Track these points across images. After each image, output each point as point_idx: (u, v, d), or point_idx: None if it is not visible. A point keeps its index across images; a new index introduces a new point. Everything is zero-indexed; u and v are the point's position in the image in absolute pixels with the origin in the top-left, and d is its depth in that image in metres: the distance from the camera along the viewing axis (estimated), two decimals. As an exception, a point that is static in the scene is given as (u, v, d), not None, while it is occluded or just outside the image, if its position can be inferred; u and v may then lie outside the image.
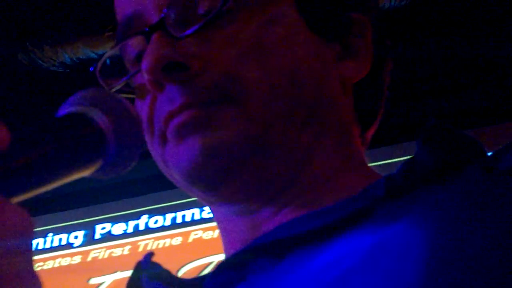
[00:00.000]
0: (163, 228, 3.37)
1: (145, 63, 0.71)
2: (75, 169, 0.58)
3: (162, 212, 3.42)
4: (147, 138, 0.78)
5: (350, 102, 0.81)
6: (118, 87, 0.79)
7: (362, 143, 0.84)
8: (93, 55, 2.78)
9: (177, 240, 3.28)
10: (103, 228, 3.48)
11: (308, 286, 0.60)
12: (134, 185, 3.42)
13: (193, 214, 3.36)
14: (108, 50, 0.82)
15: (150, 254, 0.83)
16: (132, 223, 3.45)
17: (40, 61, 2.90)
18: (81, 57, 2.82)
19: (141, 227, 3.42)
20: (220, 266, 0.69)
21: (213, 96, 0.72)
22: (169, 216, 3.40)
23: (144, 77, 0.73)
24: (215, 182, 0.73)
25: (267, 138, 0.72)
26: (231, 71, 0.72)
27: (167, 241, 3.30)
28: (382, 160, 2.86)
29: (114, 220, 3.49)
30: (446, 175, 0.66)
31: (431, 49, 2.95)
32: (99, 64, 0.80)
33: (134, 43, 0.78)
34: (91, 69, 0.79)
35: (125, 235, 3.42)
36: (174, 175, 0.76)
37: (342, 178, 0.76)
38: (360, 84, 0.81)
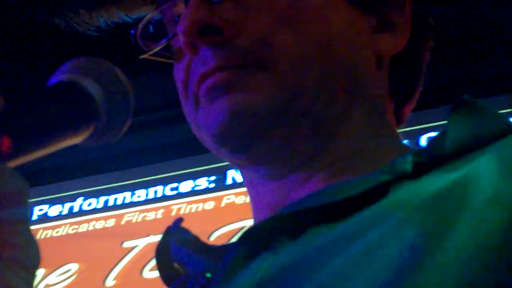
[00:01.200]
0: (195, 193, 3.39)
1: (181, 25, 0.73)
2: (66, 136, 0.59)
3: (194, 176, 3.45)
4: (182, 102, 0.80)
5: (385, 76, 0.81)
6: (156, 49, 0.80)
7: (397, 119, 0.84)
8: (128, 19, 2.79)
9: (210, 205, 3.31)
10: (134, 194, 3.52)
11: (329, 258, 0.60)
12: (164, 150, 3.45)
13: (225, 179, 3.38)
14: (148, 13, 0.83)
15: (180, 220, 0.85)
16: (165, 188, 3.48)
17: (76, 25, 2.92)
18: (116, 21, 2.83)
19: (174, 191, 3.45)
20: (246, 234, 0.69)
21: (245, 60, 0.73)
22: (201, 180, 3.43)
23: (180, 39, 0.75)
24: (243, 144, 0.74)
25: (297, 105, 0.73)
26: (264, 37, 0.73)
27: (200, 206, 3.33)
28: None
29: (148, 185, 3.52)
30: (473, 152, 0.65)
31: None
32: (140, 27, 0.81)
33: (175, 7, 0.80)
34: (132, 31, 0.80)
35: (158, 199, 3.45)
36: (204, 137, 0.77)
37: (372, 151, 0.76)
38: (396, 59, 0.81)
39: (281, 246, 0.66)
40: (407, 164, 0.66)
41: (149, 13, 0.83)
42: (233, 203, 3.28)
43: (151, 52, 0.80)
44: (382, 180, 0.66)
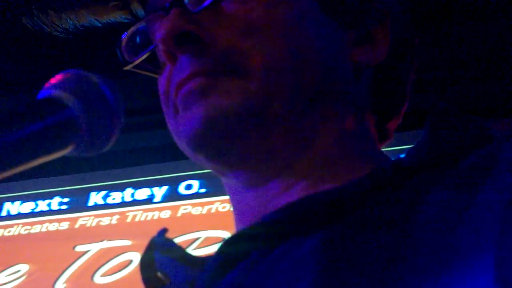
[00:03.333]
0: (151, 201, 3.38)
1: (159, 34, 0.75)
2: (47, 153, 0.60)
3: (152, 184, 3.44)
4: (164, 112, 0.82)
5: (365, 89, 0.82)
6: (138, 61, 0.82)
7: (382, 135, 0.85)
8: (97, 23, 2.78)
9: (166, 214, 3.30)
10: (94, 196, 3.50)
11: (304, 273, 0.62)
12: (123, 157, 3.43)
13: (176, 188, 3.38)
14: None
15: (164, 230, 0.85)
16: (121, 194, 3.46)
17: (44, 26, 2.90)
18: (84, 24, 2.82)
19: (128, 198, 3.43)
20: (226, 243, 0.72)
21: (220, 67, 0.75)
22: (158, 189, 3.42)
23: (159, 48, 0.77)
24: (217, 150, 0.76)
25: (270, 110, 0.75)
26: (238, 44, 0.75)
27: (156, 214, 3.32)
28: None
29: (104, 190, 3.50)
30: (450, 162, 0.67)
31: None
32: (124, 39, 0.83)
33: (158, 18, 0.81)
34: (117, 43, 0.83)
35: (114, 205, 3.43)
36: (183, 145, 0.78)
37: (351, 161, 0.77)
38: (378, 73, 0.83)
39: (260, 256, 0.68)
40: (387, 173, 0.68)
41: (134, 25, 0.85)
42: (189, 214, 3.28)
43: (133, 64, 0.82)
44: (359, 190, 0.68)
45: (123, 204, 3.43)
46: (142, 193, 3.42)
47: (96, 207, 3.45)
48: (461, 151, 0.68)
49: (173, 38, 0.75)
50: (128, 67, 0.82)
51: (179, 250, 0.83)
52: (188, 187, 3.37)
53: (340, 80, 0.79)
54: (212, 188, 3.30)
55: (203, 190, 3.33)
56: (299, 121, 0.76)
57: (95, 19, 2.76)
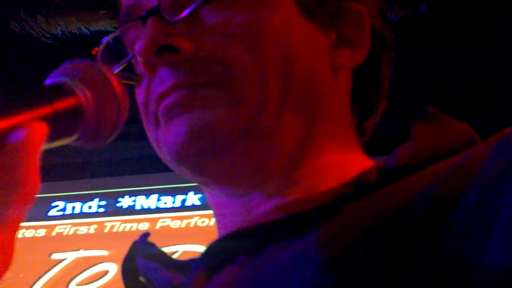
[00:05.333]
0: (131, 212, 3.37)
1: (138, 46, 0.73)
2: (52, 138, 0.59)
3: (132, 195, 3.42)
4: (144, 121, 0.80)
5: (345, 91, 0.82)
6: (116, 71, 0.80)
7: (360, 133, 0.85)
8: (86, 31, 2.77)
9: (144, 226, 3.29)
10: (68, 206, 3.48)
11: (289, 277, 0.62)
12: (106, 165, 3.42)
13: (156, 200, 3.37)
14: (107, 27, 0.84)
15: (147, 234, 0.85)
16: (99, 203, 3.44)
17: (32, 31, 2.89)
18: (73, 31, 2.81)
19: (111, 208, 3.41)
20: (210, 248, 0.71)
21: (202, 79, 0.74)
22: (139, 199, 3.40)
23: (138, 59, 0.75)
24: (201, 163, 0.75)
25: (260, 123, 0.74)
26: (220, 55, 0.74)
27: (134, 225, 3.30)
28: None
29: (83, 199, 3.48)
30: (433, 164, 0.67)
31: (423, 64, 2.97)
32: (101, 48, 0.82)
33: (133, 28, 0.80)
34: (92, 54, 0.81)
35: (92, 214, 3.41)
36: (165, 156, 0.77)
37: (337, 167, 0.77)
38: (357, 74, 0.83)
39: (245, 260, 0.68)
40: (371, 175, 0.68)
41: (110, 34, 0.83)
42: (167, 227, 3.27)
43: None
44: (343, 192, 0.67)
45: (101, 214, 3.40)
46: (121, 204, 3.41)
47: (74, 215, 3.42)
48: (443, 154, 0.68)
49: (153, 50, 0.73)
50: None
51: (162, 255, 0.82)
52: (170, 200, 3.35)
53: (322, 85, 0.79)
54: (192, 203, 3.28)
55: (181, 204, 3.32)
56: (285, 131, 0.75)
57: (84, 26, 2.76)
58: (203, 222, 3.22)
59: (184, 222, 3.27)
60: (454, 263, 0.56)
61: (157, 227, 3.29)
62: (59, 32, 2.87)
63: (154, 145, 0.80)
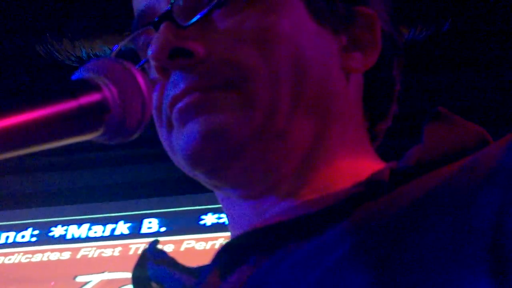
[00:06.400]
0: (155, 234, 3.36)
1: (151, 50, 0.74)
2: (77, 132, 0.59)
3: (156, 217, 3.42)
4: (157, 126, 0.81)
5: (358, 94, 0.83)
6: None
7: (372, 136, 0.86)
8: (110, 52, 2.78)
9: (169, 248, 3.28)
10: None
11: (303, 274, 0.63)
12: (128, 188, 3.43)
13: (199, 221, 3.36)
14: (121, 41, 0.84)
15: (156, 241, 0.85)
16: (128, 226, 3.44)
17: (57, 54, 2.92)
18: (98, 53, 2.83)
19: (136, 230, 3.41)
20: (223, 249, 0.71)
21: (215, 82, 0.74)
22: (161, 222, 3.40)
23: (151, 63, 0.76)
24: (215, 166, 0.75)
25: (272, 125, 0.74)
26: (233, 58, 0.74)
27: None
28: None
29: (108, 221, 3.48)
30: (445, 165, 0.67)
31: (446, 83, 2.96)
32: (113, 54, 0.83)
33: (146, 34, 0.81)
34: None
35: (116, 236, 3.41)
36: (179, 160, 0.78)
37: (349, 169, 0.77)
38: (368, 77, 0.83)
39: (258, 260, 0.68)
40: (383, 175, 0.69)
41: (122, 41, 0.84)
42: (192, 249, 3.26)
43: None
44: (355, 192, 0.68)
45: (126, 236, 3.40)
46: (146, 226, 3.40)
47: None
48: (455, 155, 0.68)
49: (166, 54, 0.74)
50: None
51: (173, 261, 0.82)
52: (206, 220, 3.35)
53: (334, 89, 0.79)
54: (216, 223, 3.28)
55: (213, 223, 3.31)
56: (300, 134, 0.76)
57: (109, 48, 2.78)
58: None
59: (209, 243, 3.26)
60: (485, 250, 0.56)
61: (182, 248, 3.28)
62: (84, 55, 2.89)
63: (168, 150, 0.80)
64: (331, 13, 0.80)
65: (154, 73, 0.78)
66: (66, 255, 3.36)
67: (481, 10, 2.73)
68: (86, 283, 3.23)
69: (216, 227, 3.28)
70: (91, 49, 2.85)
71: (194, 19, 0.75)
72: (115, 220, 3.44)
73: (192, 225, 3.32)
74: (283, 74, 0.75)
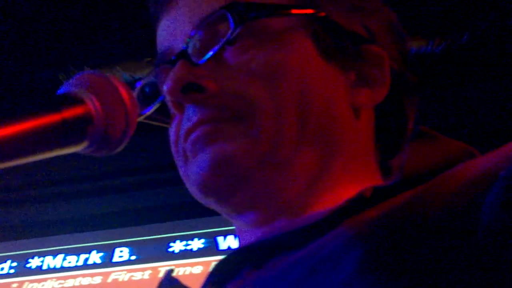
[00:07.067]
0: (185, 255, 3.37)
1: (166, 85, 0.79)
2: (62, 145, 0.61)
3: (185, 238, 3.43)
4: (175, 158, 0.85)
5: (366, 128, 0.85)
6: (149, 112, 0.86)
7: (386, 171, 0.88)
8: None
9: (198, 269, 3.28)
10: (121, 251, 3.51)
11: (286, 279, 0.67)
12: (153, 212, 3.44)
13: (216, 243, 3.36)
14: (144, 77, 0.88)
15: (171, 271, 0.90)
16: (155, 249, 3.46)
17: (79, 82, 2.94)
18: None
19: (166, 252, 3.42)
20: (217, 265, 0.76)
21: (224, 114, 0.79)
22: (193, 243, 3.41)
23: (167, 98, 0.82)
24: (224, 193, 0.80)
25: (276, 156, 0.78)
26: (242, 92, 0.79)
27: (187, 269, 3.30)
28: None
29: (136, 245, 3.50)
30: (424, 181, 0.69)
31: (466, 95, 2.94)
32: (137, 90, 0.87)
33: (166, 72, 0.85)
34: None
35: (144, 259, 3.43)
36: (193, 190, 0.82)
37: (346, 196, 0.78)
38: (379, 113, 0.86)
39: (248, 272, 0.72)
40: (365, 192, 0.71)
41: (144, 78, 0.89)
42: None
43: (144, 116, 0.86)
44: (337, 208, 0.71)
45: (155, 258, 3.42)
46: (175, 248, 3.41)
47: (127, 262, 3.44)
48: (440, 168, 0.70)
49: (180, 89, 0.79)
50: (140, 119, 0.85)
51: (183, 287, 0.86)
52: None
53: (340, 122, 0.82)
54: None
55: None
56: (302, 163, 0.79)
57: (129, 74, 2.81)
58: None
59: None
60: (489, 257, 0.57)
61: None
62: (106, 82, 2.91)
63: (184, 180, 0.84)
64: (339, 51, 0.84)
65: (171, 108, 0.83)
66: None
67: (499, 21, 2.71)
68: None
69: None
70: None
71: (207, 57, 0.80)
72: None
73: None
74: (288, 108, 0.79)
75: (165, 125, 0.86)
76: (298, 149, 0.79)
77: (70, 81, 0.66)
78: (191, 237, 3.42)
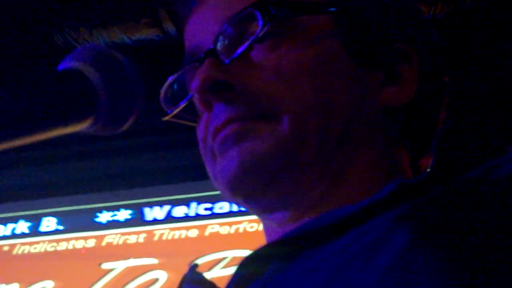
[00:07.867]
0: (179, 219, 3.37)
1: (194, 83, 0.80)
2: (65, 123, 0.58)
3: (181, 203, 3.43)
4: (203, 156, 0.87)
5: (394, 128, 0.86)
6: (176, 111, 0.87)
7: (415, 170, 0.88)
8: (128, 41, 2.79)
9: (193, 233, 3.29)
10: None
11: (315, 275, 0.67)
12: (148, 174, 3.44)
13: (211, 208, 3.37)
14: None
15: (195, 266, 0.90)
16: (148, 212, 3.46)
17: (75, 43, 2.92)
18: (115, 41, 2.83)
19: (159, 216, 3.42)
20: (245, 261, 0.76)
21: (252, 113, 0.80)
22: (187, 207, 3.41)
23: (195, 97, 0.82)
24: (252, 192, 0.80)
25: (303, 155, 0.79)
26: (269, 90, 0.80)
27: (183, 233, 3.31)
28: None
29: (132, 208, 3.50)
30: (451, 179, 0.70)
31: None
32: (164, 89, 0.89)
33: (194, 70, 0.85)
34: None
35: (141, 222, 3.43)
36: (221, 187, 0.83)
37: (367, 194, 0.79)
38: (407, 111, 0.86)
39: (277, 267, 0.73)
40: (388, 193, 0.72)
41: (172, 76, 0.90)
42: (217, 233, 3.27)
43: (171, 114, 0.87)
44: (356, 210, 0.72)
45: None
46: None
47: (123, 223, 3.44)
48: (461, 169, 0.71)
49: (208, 87, 0.79)
50: (167, 118, 0.87)
51: (207, 281, 0.87)
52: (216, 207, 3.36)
53: (367, 121, 0.83)
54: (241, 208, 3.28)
55: (232, 209, 3.32)
56: (329, 161, 0.80)
57: (126, 36, 2.78)
58: (251, 227, 3.22)
59: (233, 227, 3.27)
60: None
61: (206, 233, 3.29)
62: (102, 43, 2.89)
63: (212, 178, 0.85)
64: (368, 50, 0.84)
65: (199, 106, 0.84)
66: None
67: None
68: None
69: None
70: (108, 37, 2.85)
71: (235, 55, 0.81)
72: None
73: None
74: (316, 108, 0.79)
75: (192, 124, 0.87)
76: (325, 149, 0.80)
77: (72, 55, 0.64)
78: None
